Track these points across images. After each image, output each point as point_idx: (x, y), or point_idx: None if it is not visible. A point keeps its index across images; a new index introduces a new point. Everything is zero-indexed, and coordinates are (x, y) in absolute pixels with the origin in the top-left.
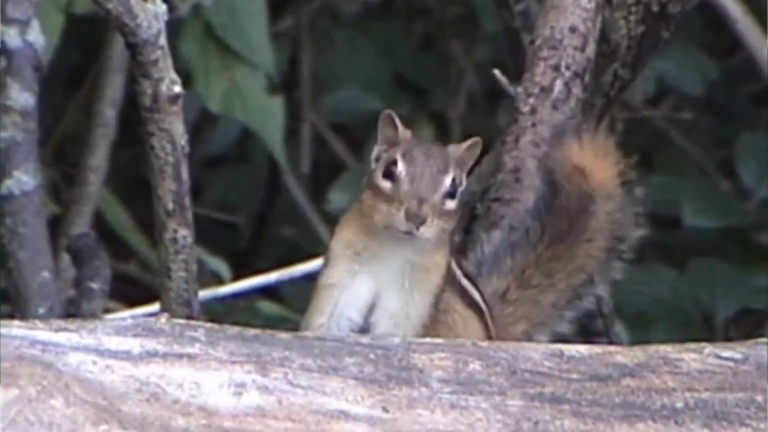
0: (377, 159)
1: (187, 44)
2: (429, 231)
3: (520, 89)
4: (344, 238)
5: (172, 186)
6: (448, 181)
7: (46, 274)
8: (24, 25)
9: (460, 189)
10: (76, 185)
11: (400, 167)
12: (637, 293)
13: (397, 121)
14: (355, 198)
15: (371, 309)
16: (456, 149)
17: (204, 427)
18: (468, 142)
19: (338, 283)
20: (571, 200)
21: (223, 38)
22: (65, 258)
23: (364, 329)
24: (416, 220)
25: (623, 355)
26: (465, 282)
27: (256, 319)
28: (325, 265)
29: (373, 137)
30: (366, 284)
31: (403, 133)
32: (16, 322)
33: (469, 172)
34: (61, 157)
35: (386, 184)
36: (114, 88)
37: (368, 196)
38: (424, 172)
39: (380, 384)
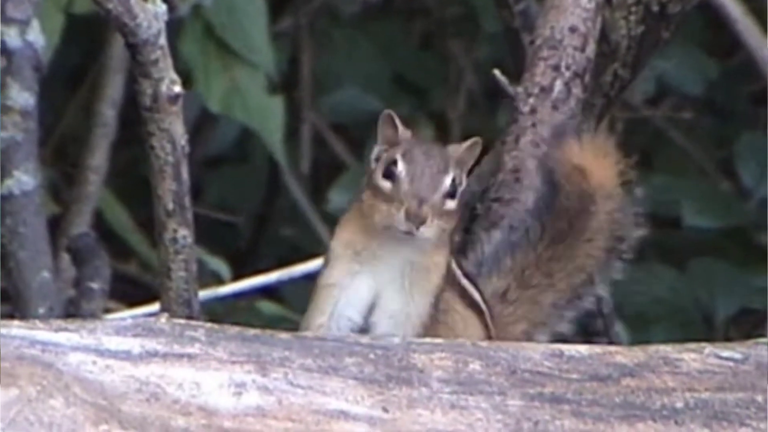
0: (377, 159)
1: (187, 44)
2: (429, 231)
3: (520, 89)
4: (344, 237)
5: (172, 186)
6: (448, 181)
7: (46, 274)
8: (24, 25)
9: (460, 189)
10: (76, 185)
11: (400, 167)
12: (637, 293)
13: (397, 121)
14: (355, 198)
15: (371, 309)
16: (456, 149)
17: (204, 427)
18: (468, 142)
19: (338, 283)
20: (570, 200)
21: (223, 38)
22: (65, 258)
23: (364, 329)
24: (416, 220)
25: (623, 355)
26: (465, 282)
27: (256, 319)
28: (325, 265)
29: (374, 137)
30: (366, 284)
31: (403, 133)
32: (15, 322)
33: (470, 172)
34: (61, 157)
35: (386, 184)
36: (114, 88)
37: (368, 196)
38: (424, 172)
39: (380, 384)
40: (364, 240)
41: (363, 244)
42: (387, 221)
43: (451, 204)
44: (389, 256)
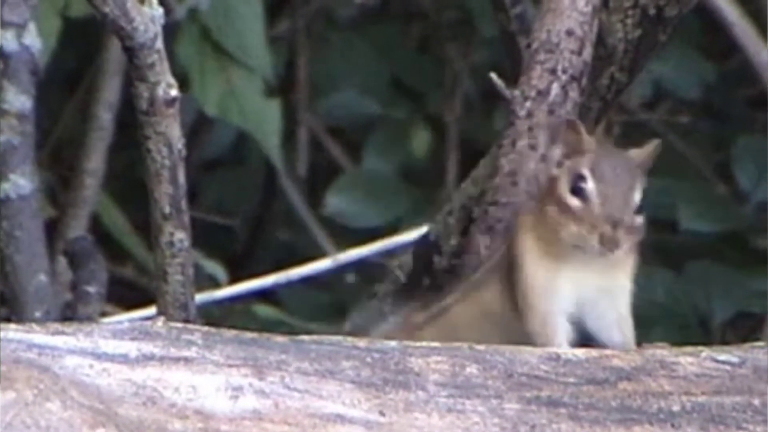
0: (558, 165)
1: (183, 48)
2: (622, 252)
3: (516, 93)
4: (534, 246)
5: (168, 189)
6: (637, 197)
7: (42, 277)
8: (21, 28)
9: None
10: (73, 188)
11: (590, 185)
12: (633, 296)
13: (582, 129)
14: (533, 205)
15: (580, 317)
16: (639, 155)
17: (201, 431)
18: (650, 146)
19: (548, 286)
20: None
21: (219, 42)
22: (62, 261)
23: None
24: (611, 245)
25: (620, 358)
26: None
27: (252, 323)
28: (520, 269)
29: (372, 140)
30: (569, 290)
31: (589, 142)
32: (12, 326)
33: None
34: (58, 161)
35: (575, 203)
36: (110, 92)
37: (554, 211)
38: (615, 190)
39: (377, 387)
40: (555, 250)
41: (556, 254)
42: (577, 242)
43: (640, 219)
44: (585, 265)
